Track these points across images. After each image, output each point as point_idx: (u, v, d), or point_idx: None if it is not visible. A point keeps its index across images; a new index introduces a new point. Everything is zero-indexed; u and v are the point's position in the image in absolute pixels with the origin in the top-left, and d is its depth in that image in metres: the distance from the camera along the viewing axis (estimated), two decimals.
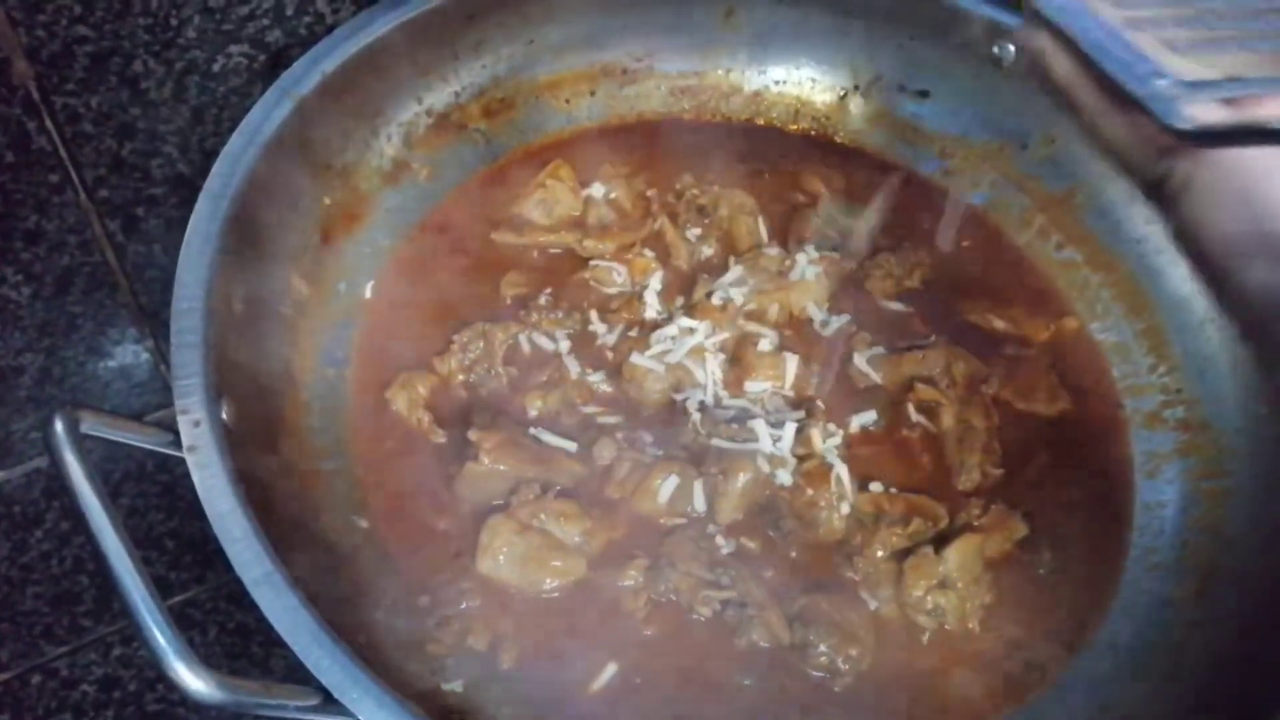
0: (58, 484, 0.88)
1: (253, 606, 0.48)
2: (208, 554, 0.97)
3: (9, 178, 0.71)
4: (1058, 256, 0.84)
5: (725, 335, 0.72)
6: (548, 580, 0.63)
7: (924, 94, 0.89)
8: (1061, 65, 0.40)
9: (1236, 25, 0.37)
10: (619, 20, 0.87)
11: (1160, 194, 0.39)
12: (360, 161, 0.77)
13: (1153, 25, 0.36)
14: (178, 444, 0.53)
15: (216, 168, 0.63)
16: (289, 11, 0.74)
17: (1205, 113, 0.34)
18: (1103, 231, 0.83)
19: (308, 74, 0.69)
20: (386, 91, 0.77)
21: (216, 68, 0.74)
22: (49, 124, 0.70)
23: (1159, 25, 0.36)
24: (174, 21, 0.70)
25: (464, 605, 0.62)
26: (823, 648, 0.62)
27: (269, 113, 0.67)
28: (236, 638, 0.93)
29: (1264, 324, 0.34)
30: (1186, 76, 0.34)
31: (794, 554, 0.66)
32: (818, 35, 0.90)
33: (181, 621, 0.45)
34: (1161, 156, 0.38)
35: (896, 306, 0.79)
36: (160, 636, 0.42)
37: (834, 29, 0.89)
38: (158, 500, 0.94)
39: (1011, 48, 0.76)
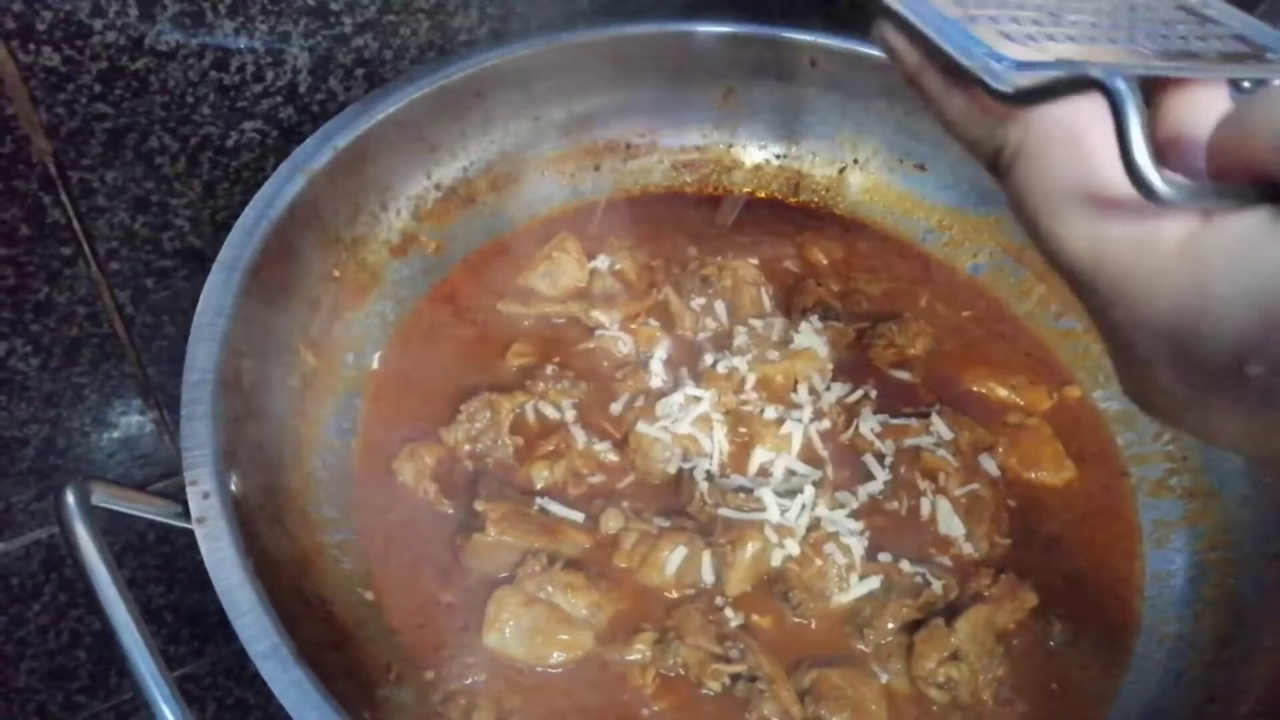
0: (57, 556, 0.87)
1: (251, 682, 0.48)
2: (207, 628, 0.96)
3: (22, 251, 0.72)
4: (1058, 325, 0.85)
5: (731, 404, 0.73)
6: (555, 654, 0.62)
7: (921, 167, 0.91)
8: (910, 56, 0.43)
9: (1070, 24, 0.40)
10: (622, 98, 0.89)
11: (998, 167, 0.40)
12: (369, 235, 0.78)
13: (990, 20, 0.39)
14: (186, 515, 0.52)
15: (229, 241, 0.64)
16: (302, 89, 0.76)
17: (1028, 78, 0.36)
18: None
19: (320, 150, 0.71)
20: (396, 166, 0.79)
21: (230, 143, 0.76)
22: (64, 198, 0.72)
23: (996, 21, 0.39)
24: (190, 99, 0.72)
25: (470, 680, 0.61)
26: None
27: (281, 187, 0.68)
28: (235, 713, 0.92)
29: (1090, 275, 0.34)
30: (1016, 58, 0.37)
31: (804, 626, 0.65)
32: (816, 112, 0.92)
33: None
34: (996, 128, 0.39)
35: (900, 375, 0.80)
36: (168, 711, 0.41)
37: (832, 107, 0.91)
38: (157, 573, 0.93)
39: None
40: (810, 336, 0.77)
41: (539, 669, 0.62)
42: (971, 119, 0.41)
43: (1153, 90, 0.38)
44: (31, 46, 0.64)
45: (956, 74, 0.38)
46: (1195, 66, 0.38)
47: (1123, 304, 0.33)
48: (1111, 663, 0.68)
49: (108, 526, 0.85)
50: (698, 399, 0.72)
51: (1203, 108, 0.37)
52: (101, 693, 0.91)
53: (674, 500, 0.70)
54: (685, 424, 0.71)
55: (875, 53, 0.64)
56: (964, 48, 0.38)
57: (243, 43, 0.72)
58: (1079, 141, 0.35)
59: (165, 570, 0.93)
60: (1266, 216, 0.30)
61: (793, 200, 0.94)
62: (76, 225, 0.73)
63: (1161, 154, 0.35)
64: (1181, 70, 0.37)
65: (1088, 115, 0.34)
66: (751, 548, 0.65)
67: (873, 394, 0.77)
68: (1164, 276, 0.31)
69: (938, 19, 0.40)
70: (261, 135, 0.77)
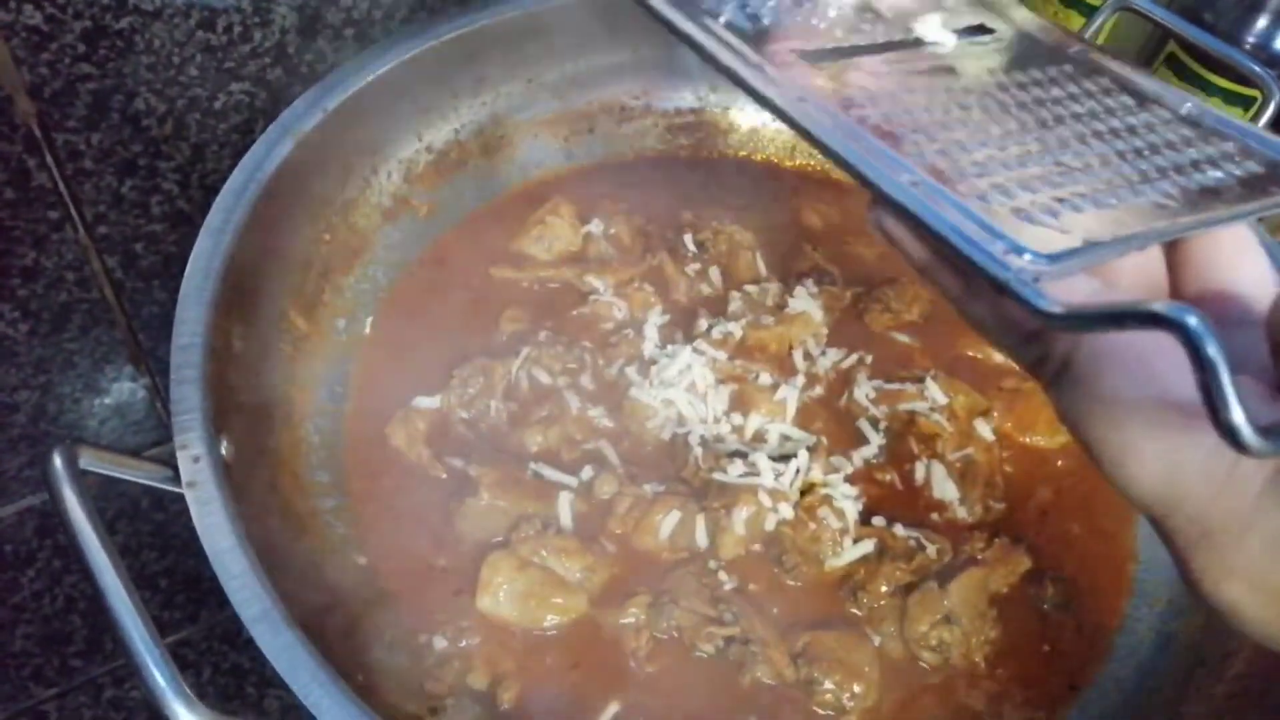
0: (51, 522, 0.87)
1: (247, 646, 0.48)
2: (201, 593, 0.96)
3: (8, 214, 0.71)
4: None
5: (725, 369, 0.72)
6: (548, 617, 0.63)
7: None
8: (915, 250, 0.37)
9: (1086, 179, 0.35)
10: (617, 59, 0.88)
11: (1040, 376, 0.35)
12: (360, 198, 0.77)
13: (1000, 194, 0.33)
14: (176, 480, 0.52)
15: (217, 204, 0.64)
16: (290, 50, 0.75)
17: (1072, 291, 0.31)
18: None
19: (309, 112, 0.70)
20: (387, 129, 0.78)
21: (218, 105, 0.75)
22: (49, 161, 0.71)
23: (1006, 193, 0.33)
24: (176, 60, 0.71)
25: (464, 644, 0.61)
26: (828, 684, 0.61)
27: (270, 150, 0.67)
28: (230, 678, 0.92)
29: (1165, 510, 0.30)
30: (1045, 249, 0.31)
31: (797, 589, 0.65)
32: None
33: (174, 662, 0.44)
34: (1034, 339, 0.34)
35: (895, 340, 0.79)
36: (159, 675, 0.41)
37: None
38: (151, 539, 0.93)
39: None
40: (805, 301, 0.77)
41: (533, 632, 0.62)
42: (1002, 326, 0.36)
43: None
44: (12, 4, 0.63)
45: (978, 275, 0.31)
46: (1225, 210, 0.34)
47: (1208, 547, 0.29)
48: (1103, 626, 0.69)
49: (101, 493, 0.85)
50: (691, 364, 0.72)
51: (1232, 254, 0.33)
52: (98, 657, 0.92)
53: (668, 465, 0.69)
54: (679, 389, 0.70)
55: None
56: (983, 246, 0.31)
57: (230, 2, 0.70)
58: (1143, 362, 0.30)
59: (159, 536, 0.93)
60: None
61: (789, 164, 0.93)
62: (63, 189, 0.72)
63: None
64: (1211, 222, 0.33)
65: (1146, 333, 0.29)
66: (745, 512, 0.65)
67: (868, 359, 0.76)
68: (1257, 519, 0.27)
69: (946, 208, 0.32)
70: (250, 97, 0.76)
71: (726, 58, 0.39)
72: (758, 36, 0.41)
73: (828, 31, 0.41)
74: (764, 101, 0.38)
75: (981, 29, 0.43)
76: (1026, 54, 0.42)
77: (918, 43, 0.41)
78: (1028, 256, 0.30)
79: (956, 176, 0.34)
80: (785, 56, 0.40)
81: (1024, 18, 0.44)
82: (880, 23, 0.42)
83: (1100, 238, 0.32)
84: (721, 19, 0.41)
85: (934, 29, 0.42)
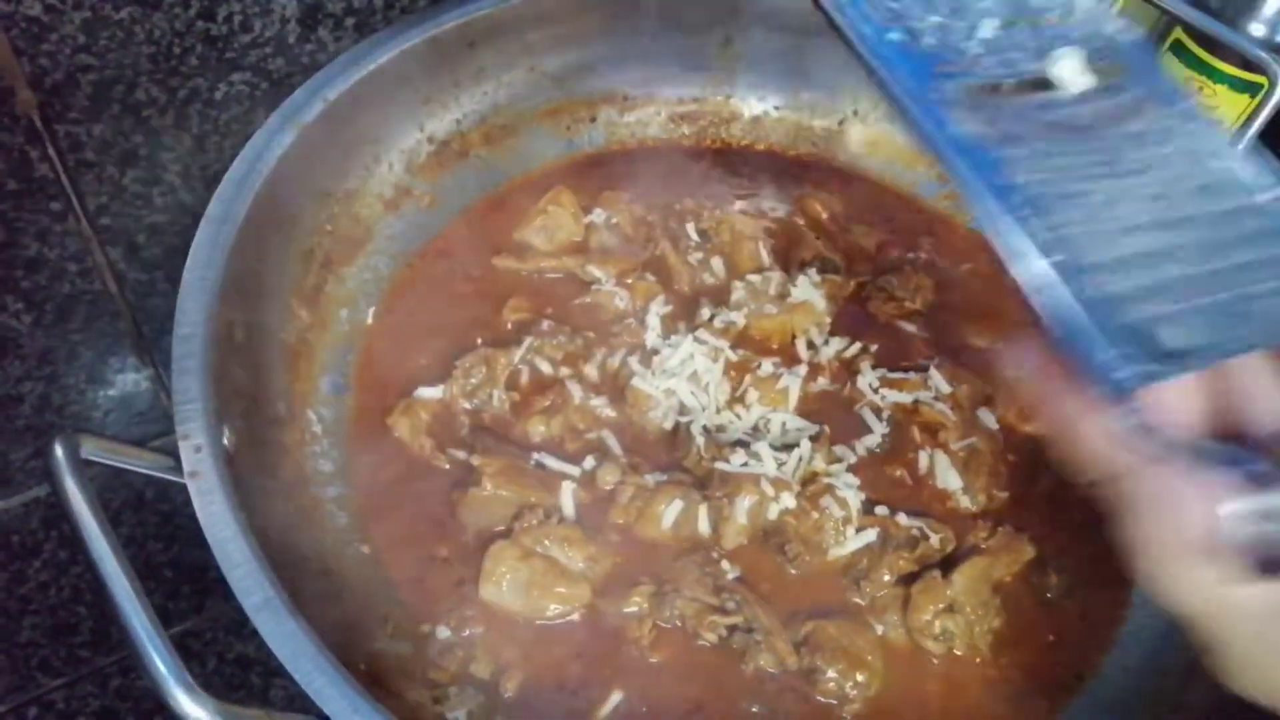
0: (56, 513, 0.87)
1: (252, 636, 0.48)
2: (206, 584, 0.96)
3: (10, 206, 0.71)
4: None
5: (728, 359, 0.72)
6: (551, 607, 0.63)
7: None
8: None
9: (1206, 290, 0.36)
10: (618, 48, 0.88)
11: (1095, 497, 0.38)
12: (362, 188, 0.77)
13: (1120, 298, 0.35)
14: (178, 470, 0.52)
15: (218, 194, 0.64)
16: (291, 40, 0.75)
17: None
18: None
19: (310, 102, 0.69)
20: (388, 119, 0.78)
21: (219, 95, 0.75)
22: (51, 152, 0.70)
23: (1127, 298, 0.35)
24: (177, 50, 0.71)
25: (467, 633, 0.62)
26: (831, 673, 0.61)
27: (271, 140, 0.67)
28: (235, 668, 0.93)
29: (1188, 621, 0.35)
30: (1145, 366, 0.33)
31: (800, 578, 0.65)
32: (816, 63, 0.90)
33: (180, 652, 0.44)
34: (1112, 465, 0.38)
35: (899, 329, 0.79)
36: (160, 664, 0.41)
37: (832, 57, 0.89)
38: (156, 529, 0.93)
39: None
40: (808, 290, 0.77)
41: (536, 622, 0.62)
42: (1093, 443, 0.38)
43: None
44: None
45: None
46: None
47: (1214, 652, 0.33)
48: (1108, 616, 0.68)
49: (106, 484, 0.85)
50: (694, 354, 0.72)
51: (1260, 379, 0.36)
52: (104, 647, 0.92)
53: (670, 454, 0.69)
54: (682, 378, 0.70)
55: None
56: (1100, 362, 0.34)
57: None
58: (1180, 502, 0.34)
59: (164, 527, 0.93)
60: None
61: (791, 152, 0.92)
62: (65, 180, 0.72)
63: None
64: None
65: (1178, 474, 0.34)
66: (748, 501, 0.65)
67: (871, 348, 0.76)
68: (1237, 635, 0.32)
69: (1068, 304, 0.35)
70: (251, 87, 0.76)
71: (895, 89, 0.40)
72: (918, 57, 0.42)
73: (979, 58, 0.42)
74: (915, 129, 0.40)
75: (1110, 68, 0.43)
76: (1152, 108, 0.42)
77: (1049, 84, 0.42)
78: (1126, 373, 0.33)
79: (1077, 271, 0.36)
80: (949, 92, 0.41)
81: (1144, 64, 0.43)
82: (1028, 51, 0.42)
83: (1199, 349, 0.34)
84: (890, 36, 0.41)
85: (1074, 70, 0.42)
